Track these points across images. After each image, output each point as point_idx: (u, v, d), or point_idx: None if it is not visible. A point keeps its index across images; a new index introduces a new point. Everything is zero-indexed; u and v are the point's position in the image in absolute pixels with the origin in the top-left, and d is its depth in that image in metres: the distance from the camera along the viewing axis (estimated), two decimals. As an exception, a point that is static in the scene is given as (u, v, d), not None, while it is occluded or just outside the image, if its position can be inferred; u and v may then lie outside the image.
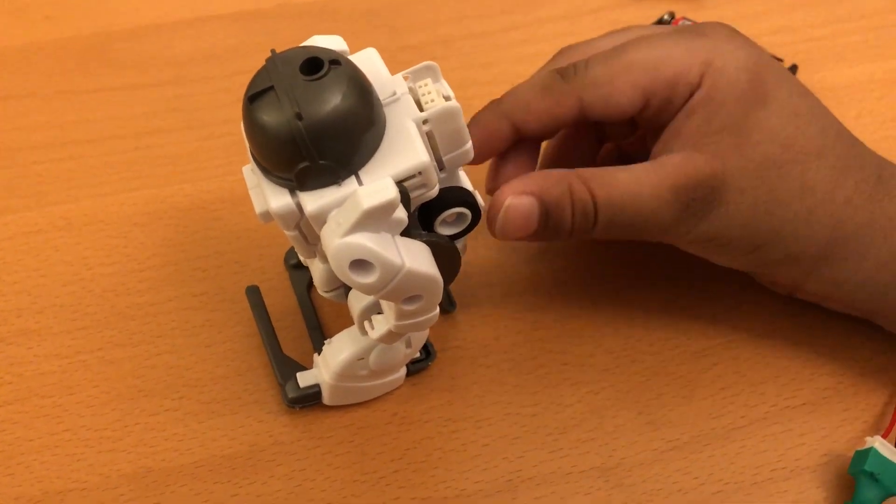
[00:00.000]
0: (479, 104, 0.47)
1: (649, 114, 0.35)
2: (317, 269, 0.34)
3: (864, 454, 0.34)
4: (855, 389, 0.38)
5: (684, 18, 0.49)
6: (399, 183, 0.29)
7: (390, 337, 0.33)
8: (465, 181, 0.33)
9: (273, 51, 0.29)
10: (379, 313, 0.33)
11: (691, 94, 0.34)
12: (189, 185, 0.44)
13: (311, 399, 0.36)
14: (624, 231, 0.34)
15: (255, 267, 0.41)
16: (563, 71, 0.34)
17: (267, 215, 0.30)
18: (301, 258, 0.38)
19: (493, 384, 0.38)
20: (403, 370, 0.37)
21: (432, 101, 0.30)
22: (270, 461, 0.35)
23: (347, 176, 0.28)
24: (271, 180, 0.29)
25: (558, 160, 0.40)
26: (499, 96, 0.36)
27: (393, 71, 0.31)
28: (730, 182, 0.33)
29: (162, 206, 0.43)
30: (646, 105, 0.34)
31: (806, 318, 0.39)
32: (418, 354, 0.37)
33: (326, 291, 0.34)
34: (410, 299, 0.30)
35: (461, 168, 0.34)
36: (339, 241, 0.27)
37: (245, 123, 0.28)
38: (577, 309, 0.40)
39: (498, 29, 0.51)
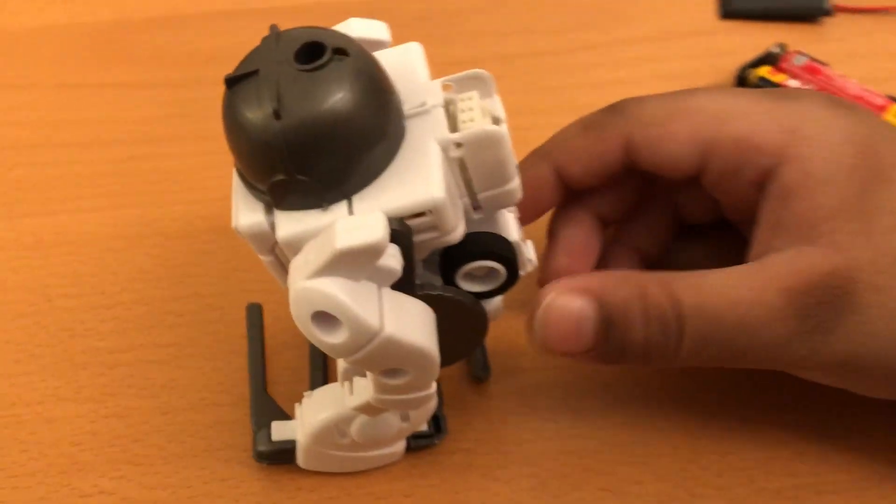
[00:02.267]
0: (536, 136, 0.39)
1: (712, 179, 0.27)
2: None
3: None
4: None
5: (799, 53, 0.40)
6: (400, 220, 0.22)
7: (370, 409, 0.25)
8: (511, 227, 0.26)
9: (274, 26, 0.22)
10: (364, 375, 0.25)
11: (771, 170, 0.26)
12: (181, 208, 0.37)
13: (282, 457, 0.29)
14: (721, 353, 0.25)
15: (239, 317, 0.33)
16: (613, 106, 0.28)
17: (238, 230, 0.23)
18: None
19: (508, 505, 0.29)
20: (402, 444, 0.29)
21: (471, 120, 0.23)
22: (212, 577, 0.28)
23: (337, 199, 0.22)
24: (248, 189, 0.23)
25: (625, 243, 0.32)
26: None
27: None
28: (860, 279, 0.24)
29: (146, 230, 0.36)
30: (704, 164, 0.27)
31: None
32: (425, 427, 0.30)
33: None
34: (391, 373, 0.23)
35: (511, 210, 0.26)
36: (301, 283, 0.21)
37: (224, 116, 0.22)
38: (626, 416, 0.31)
39: (568, 48, 0.43)
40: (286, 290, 0.26)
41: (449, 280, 0.25)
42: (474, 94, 0.23)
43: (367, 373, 0.25)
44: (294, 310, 0.21)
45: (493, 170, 0.23)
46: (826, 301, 0.25)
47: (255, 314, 0.32)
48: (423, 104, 0.23)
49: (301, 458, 0.29)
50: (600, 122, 0.28)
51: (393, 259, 0.22)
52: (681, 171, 0.27)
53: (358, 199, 0.22)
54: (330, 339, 0.21)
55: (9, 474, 0.30)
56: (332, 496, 0.29)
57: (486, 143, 0.23)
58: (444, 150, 0.23)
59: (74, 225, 0.36)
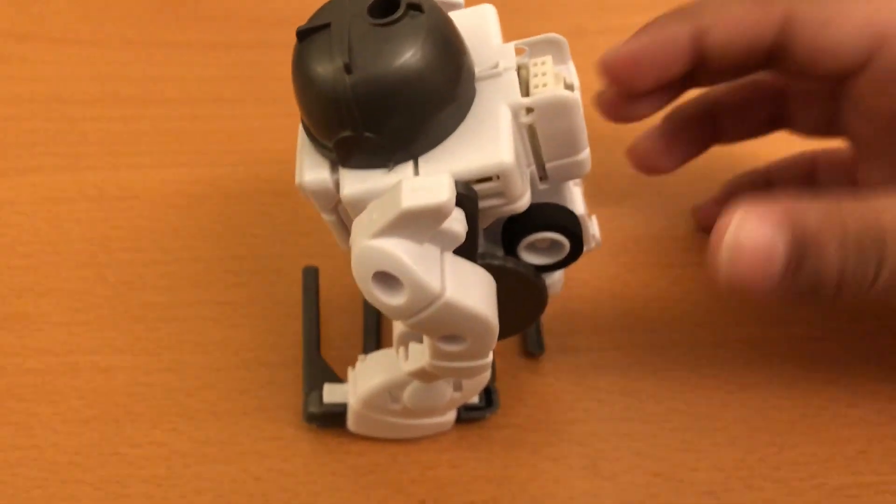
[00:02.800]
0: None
1: (871, 83, 0.24)
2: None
3: None
4: None
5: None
6: (466, 184, 0.21)
7: (424, 376, 0.25)
8: (578, 200, 0.25)
9: None
10: (420, 341, 0.25)
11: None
12: (243, 169, 0.37)
13: (332, 420, 0.29)
14: None
15: (296, 279, 0.33)
16: None
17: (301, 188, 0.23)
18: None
19: (559, 485, 0.29)
20: (452, 414, 0.29)
21: (544, 85, 0.22)
22: (258, 534, 0.28)
23: (403, 160, 0.22)
24: (314, 146, 0.22)
25: None
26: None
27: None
28: None
29: (207, 188, 0.36)
30: (869, 60, 0.24)
31: None
32: (476, 399, 0.29)
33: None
34: (449, 338, 0.23)
35: (577, 184, 0.26)
36: (364, 242, 0.20)
37: (293, 73, 0.22)
38: (682, 403, 0.30)
39: (640, 25, 0.41)
40: (346, 251, 0.26)
41: (511, 251, 0.25)
42: (548, 58, 0.23)
43: (424, 338, 0.24)
44: (355, 268, 0.21)
45: (563, 138, 0.23)
46: None
47: (310, 277, 0.32)
48: (495, 66, 0.23)
49: (351, 422, 0.29)
50: None
51: (457, 223, 0.21)
52: (840, 63, 0.25)
53: (424, 161, 0.22)
54: (389, 301, 0.21)
55: (63, 419, 0.30)
56: (378, 462, 0.29)
57: (558, 110, 0.22)
58: (515, 114, 0.22)
59: (137, 180, 0.37)
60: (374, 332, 0.32)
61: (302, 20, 0.43)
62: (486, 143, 0.21)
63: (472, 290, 0.22)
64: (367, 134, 0.21)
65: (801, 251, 0.22)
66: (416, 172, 0.22)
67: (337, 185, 0.22)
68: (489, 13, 0.24)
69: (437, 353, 0.24)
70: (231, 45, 0.42)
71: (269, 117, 0.39)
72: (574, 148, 0.23)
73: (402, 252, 0.20)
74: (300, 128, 0.24)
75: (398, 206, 0.20)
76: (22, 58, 0.41)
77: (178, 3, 0.44)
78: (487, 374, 0.26)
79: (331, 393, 0.29)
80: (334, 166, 0.22)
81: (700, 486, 0.29)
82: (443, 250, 0.22)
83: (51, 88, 0.40)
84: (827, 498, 0.28)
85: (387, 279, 0.21)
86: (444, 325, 0.22)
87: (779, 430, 0.30)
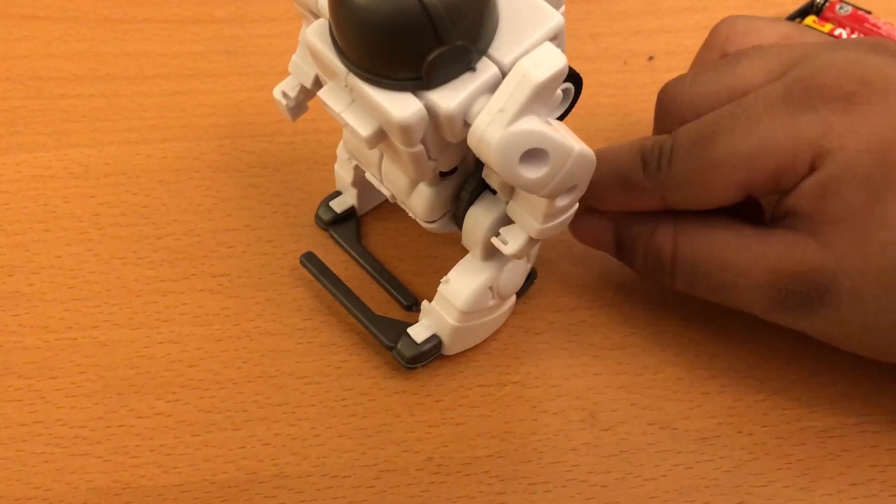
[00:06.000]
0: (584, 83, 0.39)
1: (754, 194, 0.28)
2: (421, 195, 0.29)
3: None
4: None
5: (842, 2, 0.40)
6: None
7: (527, 248, 0.28)
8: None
9: None
10: (504, 226, 0.28)
11: (802, 179, 0.27)
12: (229, 143, 0.37)
13: (430, 354, 0.30)
14: (710, 296, 0.29)
15: (290, 249, 0.34)
16: (647, 161, 0.29)
17: (378, 136, 0.24)
18: (390, 194, 0.31)
19: (559, 437, 0.30)
20: (513, 298, 0.32)
21: None
22: (270, 498, 0.29)
23: (479, 58, 0.23)
24: (383, 87, 0.23)
25: None
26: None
27: None
28: (842, 283, 0.26)
29: (195, 163, 0.37)
30: (746, 194, 0.28)
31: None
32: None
33: (431, 221, 0.29)
34: (568, 191, 0.26)
35: None
36: (505, 131, 0.23)
37: (346, 18, 0.23)
38: (672, 355, 0.32)
39: (616, -6, 0.43)
40: (408, 190, 0.29)
41: None
42: None
43: (525, 208, 0.27)
44: (500, 158, 0.23)
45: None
46: (807, 293, 0.27)
47: (314, 260, 0.32)
48: None
49: (448, 344, 0.30)
50: (635, 182, 0.29)
51: (559, 89, 0.24)
52: (723, 206, 0.28)
53: (495, 51, 0.23)
54: (535, 175, 0.24)
55: (67, 394, 0.30)
56: (384, 422, 0.30)
57: None
58: None
59: (123, 156, 0.37)
60: (394, 279, 0.33)
61: (275, -5, 0.43)
62: (534, 13, 0.24)
63: (577, 138, 0.25)
64: (459, 42, 0.22)
65: (619, 245, 0.31)
66: (497, 63, 0.23)
67: (430, 109, 0.23)
68: None
69: (549, 215, 0.26)
70: (208, 21, 0.42)
71: (252, 90, 0.39)
72: (557, 3, 0.25)
73: (541, 126, 0.23)
74: (327, 90, 0.25)
75: (531, 82, 0.22)
76: (-6, 36, 0.41)
77: (151, -22, 0.43)
78: (570, 220, 0.28)
79: (417, 333, 0.30)
80: (415, 93, 0.23)
81: (694, 433, 0.30)
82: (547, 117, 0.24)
83: (27, 66, 0.40)
84: (813, 439, 0.30)
85: (532, 156, 0.23)
86: (573, 177, 0.25)
87: (765, 378, 0.31)
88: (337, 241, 0.34)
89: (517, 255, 0.28)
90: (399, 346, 0.30)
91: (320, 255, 0.33)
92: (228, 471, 0.29)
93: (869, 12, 0.40)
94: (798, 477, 0.29)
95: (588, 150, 0.25)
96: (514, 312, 0.32)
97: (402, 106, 0.23)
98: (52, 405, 0.30)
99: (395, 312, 0.32)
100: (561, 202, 0.26)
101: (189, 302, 0.33)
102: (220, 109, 0.38)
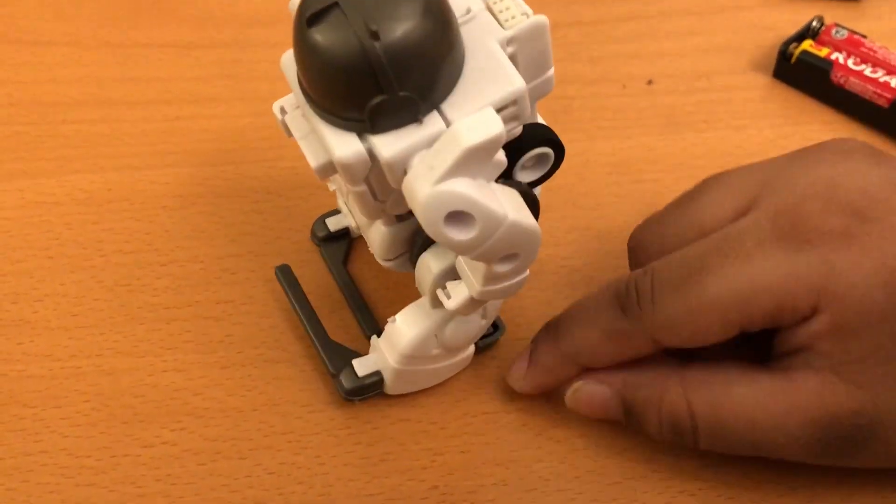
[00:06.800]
0: (579, 106, 0.40)
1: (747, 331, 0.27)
2: (378, 233, 0.29)
3: None
4: None
5: (837, 26, 0.41)
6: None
7: (470, 306, 0.27)
8: (539, 117, 0.28)
9: None
10: (453, 279, 0.28)
11: (805, 319, 0.26)
12: (231, 168, 0.37)
13: (371, 389, 0.30)
14: (742, 452, 0.28)
15: (295, 275, 0.34)
16: (625, 305, 0.28)
17: (326, 169, 0.25)
18: (352, 222, 0.32)
19: (564, 464, 0.30)
20: (472, 349, 0.31)
21: (513, 17, 0.24)
22: (276, 527, 0.29)
23: (429, 111, 0.23)
24: (332, 123, 0.24)
25: None
26: (554, 316, 0.30)
27: None
28: (886, 420, 0.26)
29: (197, 189, 0.37)
30: (739, 332, 0.27)
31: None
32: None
33: (387, 259, 0.30)
34: (507, 258, 0.25)
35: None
36: (431, 189, 0.22)
37: (300, 53, 0.23)
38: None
39: (612, 18, 0.43)
40: (367, 223, 0.28)
41: (507, 173, 0.26)
42: None
43: (470, 269, 0.26)
44: (425, 216, 0.22)
45: (537, 59, 0.25)
46: (850, 436, 0.26)
47: (288, 274, 0.33)
48: (468, 11, 0.24)
49: (390, 384, 0.30)
50: (620, 329, 0.28)
51: (501, 152, 0.23)
52: (714, 343, 0.27)
53: (447, 107, 0.23)
54: (461, 237, 0.23)
55: (72, 423, 0.30)
56: (389, 451, 0.30)
57: (535, 34, 0.24)
58: (502, 47, 0.24)
59: (126, 182, 0.37)
60: (364, 307, 0.33)
61: (273, 20, 0.44)
62: (496, 75, 0.23)
63: (520, 208, 0.24)
64: (402, 93, 0.22)
65: (628, 412, 0.29)
66: (445, 118, 0.23)
67: (370, 152, 0.23)
68: None
69: (490, 278, 0.26)
70: (209, 45, 0.42)
71: (254, 115, 0.39)
72: (545, 66, 0.25)
73: (469, 189, 0.22)
74: (295, 115, 0.26)
75: (459, 146, 0.22)
76: (-4, 61, 0.41)
77: (152, 3, 0.43)
78: (519, 288, 0.27)
79: (361, 366, 0.30)
80: (360, 135, 0.23)
81: (697, 457, 0.30)
82: (487, 180, 0.24)
83: (29, 91, 0.40)
84: None
85: (458, 217, 0.23)
86: (506, 246, 0.24)
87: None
88: (324, 259, 0.34)
89: (460, 312, 0.28)
90: (341, 375, 0.30)
91: (310, 272, 0.33)
92: (234, 500, 0.29)
93: (864, 36, 0.40)
94: None
95: (528, 222, 0.24)
96: (516, 339, 0.33)
97: (343, 145, 0.23)
98: (58, 434, 0.30)
99: (357, 341, 0.32)
100: (500, 268, 0.25)
101: (193, 329, 0.33)
102: (223, 134, 0.39)
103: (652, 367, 0.28)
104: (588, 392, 0.29)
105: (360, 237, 0.35)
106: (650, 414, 0.28)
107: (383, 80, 0.22)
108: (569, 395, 0.29)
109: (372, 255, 0.33)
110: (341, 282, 0.34)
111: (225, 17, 0.43)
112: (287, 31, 0.42)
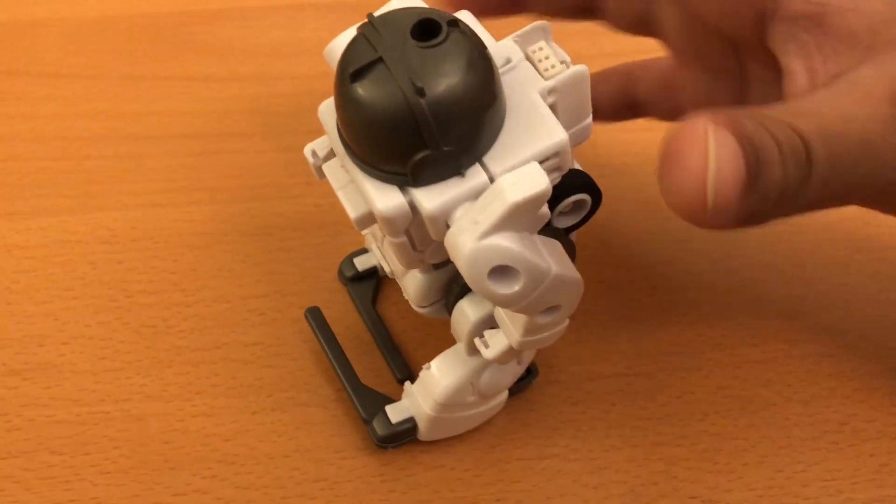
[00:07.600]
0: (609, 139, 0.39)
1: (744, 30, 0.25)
2: (414, 280, 0.29)
3: None
4: None
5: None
6: None
7: (508, 355, 0.27)
8: (576, 164, 0.28)
9: (370, 14, 0.23)
10: (491, 328, 0.27)
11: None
12: (258, 205, 0.37)
13: (404, 436, 0.30)
14: (850, 176, 0.23)
15: (325, 315, 0.33)
16: None
17: (365, 220, 0.25)
18: (389, 270, 0.32)
19: (598, 511, 0.30)
20: (505, 394, 0.31)
21: (553, 66, 0.24)
22: (311, 578, 0.28)
23: (471, 164, 0.23)
24: (373, 176, 0.23)
25: None
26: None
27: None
28: None
29: (223, 226, 0.36)
30: None
31: None
32: None
33: (423, 307, 0.29)
34: (548, 310, 0.25)
35: None
36: (476, 244, 0.22)
37: (343, 108, 0.23)
38: (709, 425, 0.31)
39: (632, 51, 0.42)
40: (403, 271, 0.28)
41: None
42: (542, 43, 0.25)
43: (509, 319, 0.26)
44: (469, 270, 0.22)
45: (577, 107, 0.25)
46: None
47: (318, 317, 0.33)
48: (508, 61, 0.24)
49: (424, 431, 0.30)
50: None
51: (545, 206, 0.23)
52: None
53: (489, 160, 0.23)
54: (505, 291, 0.23)
55: (101, 471, 0.30)
56: (424, 498, 0.30)
57: (576, 83, 0.24)
58: (542, 98, 0.24)
59: (150, 220, 0.36)
60: (395, 348, 0.33)
61: (293, 52, 0.44)
62: (538, 127, 0.23)
63: (562, 260, 0.24)
64: (446, 147, 0.22)
65: (755, 158, 0.22)
66: (487, 171, 0.23)
67: (412, 205, 0.23)
68: (470, 18, 0.26)
69: (531, 329, 0.26)
70: (231, 78, 0.42)
71: (278, 151, 0.39)
72: (583, 114, 0.25)
73: (514, 244, 0.22)
74: (334, 161, 0.26)
75: (505, 202, 0.22)
76: (17, 95, 0.41)
77: (173, 35, 0.43)
78: (558, 337, 0.27)
79: (394, 412, 0.30)
80: (401, 188, 0.23)
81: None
82: (531, 233, 0.23)
83: (51, 126, 0.39)
84: (855, 512, 0.30)
85: (502, 271, 0.23)
86: (551, 298, 0.24)
87: (803, 448, 0.31)
88: (352, 300, 0.34)
89: (498, 361, 0.27)
90: (374, 422, 0.30)
91: (338, 312, 0.33)
92: (268, 551, 0.29)
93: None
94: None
95: (572, 275, 0.24)
96: (549, 381, 0.32)
97: (385, 198, 0.23)
98: (87, 482, 0.30)
99: (388, 385, 0.32)
100: (542, 319, 0.25)
101: (222, 372, 0.32)
102: (248, 170, 0.38)
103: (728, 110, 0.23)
104: (725, 144, 0.21)
105: (388, 276, 0.35)
106: (769, 144, 0.22)
107: (428, 136, 0.22)
108: (711, 161, 0.21)
109: (401, 295, 0.33)
110: (370, 322, 0.33)
111: (246, 50, 0.43)
112: (309, 63, 0.42)
